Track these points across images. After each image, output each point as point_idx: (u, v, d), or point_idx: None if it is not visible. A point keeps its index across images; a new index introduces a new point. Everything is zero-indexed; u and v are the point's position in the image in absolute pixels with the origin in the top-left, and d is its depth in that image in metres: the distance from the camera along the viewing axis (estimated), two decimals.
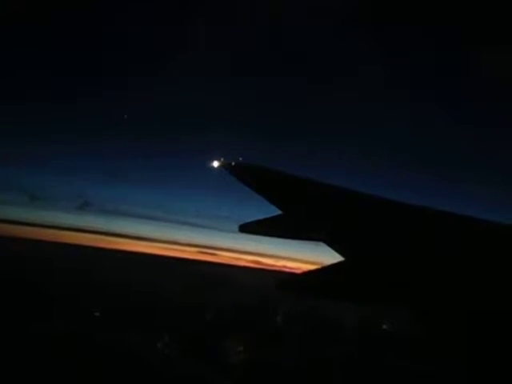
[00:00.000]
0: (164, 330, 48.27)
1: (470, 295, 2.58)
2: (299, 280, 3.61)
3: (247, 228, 4.85)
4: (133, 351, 41.12)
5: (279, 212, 4.78)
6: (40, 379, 33.02)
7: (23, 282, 57.85)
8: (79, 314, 50.26)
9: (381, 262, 3.27)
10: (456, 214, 4.06)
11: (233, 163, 6.31)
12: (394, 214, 4.35)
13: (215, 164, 6.46)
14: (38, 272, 67.46)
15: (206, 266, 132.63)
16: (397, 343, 47.78)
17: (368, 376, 40.86)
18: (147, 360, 39.91)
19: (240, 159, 6.35)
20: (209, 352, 43.94)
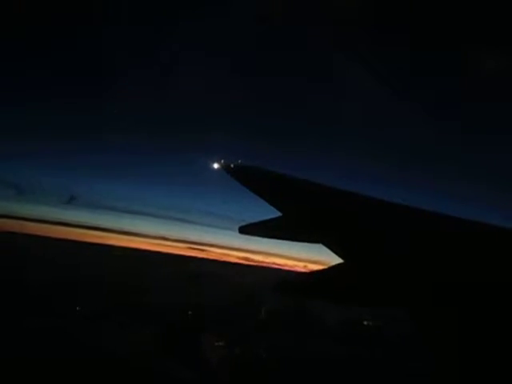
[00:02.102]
0: (146, 324, 48.09)
1: (469, 297, 2.64)
2: (298, 282, 3.65)
3: (246, 230, 4.91)
4: (111, 346, 40.74)
5: (271, 212, 4.86)
6: (13, 375, 32.50)
7: (8, 276, 57.11)
8: (62, 308, 49.65)
9: (380, 263, 3.33)
10: (454, 216, 4.15)
11: (232, 165, 6.31)
12: (392, 216, 4.43)
13: (215, 166, 6.44)
14: (24, 266, 66.58)
15: (195, 262, 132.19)
16: (379, 338, 48.67)
17: (351, 371, 41.32)
18: (124, 355, 39.64)
19: (239, 161, 6.36)
20: (187, 347, 43.92)
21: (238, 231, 4.95)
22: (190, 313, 55.37)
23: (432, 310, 2.58)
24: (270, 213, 4.86)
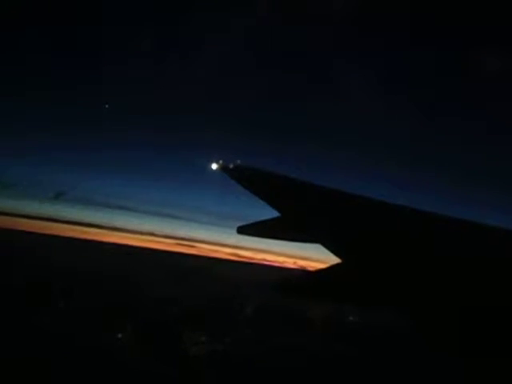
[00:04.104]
0: (129, 320, 47.66)
1: (467, 298, 2.66)
2: (300, 283, 3.68)
3: (245, 230, 4.95)
4: (91, 345, 40.21)
5: (270, 212, 4.91)
6: None
7: None
8: (43, 305, 48.63)
9: (379, 264, 3.35)
10: (454, 217, 4.25)
11: (231, 165, 6.34)
12: (391, 216, 4.52)
13: (213, 166, 6.46)
14: (8, 262, 65.53)
15: (183, 258, 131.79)
16: (364, 333, 49.20)
17: (336, 366, 41.65)
18: (106, 351, 39.30)
19: (238, 161, 6.40)
20: (170, 343, 43.80)
21: (231, 229, 4.99)
22: (174, 309, 55.19)
23: (432, 310, 2.58)
24: (269, 213, 4.92)
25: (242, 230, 4.96)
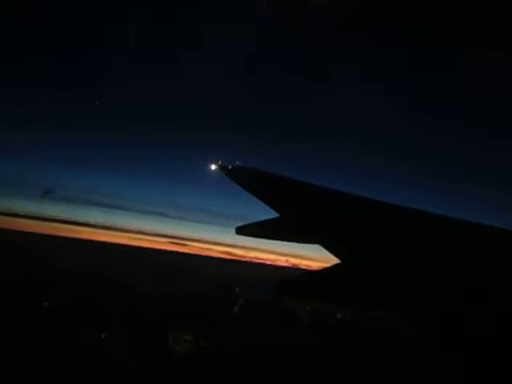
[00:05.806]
0: (115, 319, 47.43)
1: (469, 298, 2.65)
2: (297, 283, 3.68)
3: (244, 230, 4.93)
4: (76, 342, 39.86)
5: (268, 212, 4.91)
6: None
7: None
8: (27, 303, 47.73)
9: (378, 264, 3.34)
10: (452, 217, 4.26)
11: (230, 166, 6.34)
12: (391, 217, 4.59)
13: (212, 167, 6.46)
14: None
15: (175, 257, 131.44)
16: (350, 331, 49.47)
17: (324, 362, 41.88)
18: (91, 350, 38.97)
19: (237, 162, 6.41)
20: (155, 341, 43.55)
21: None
22: (162, 308, 54.97)
23: (432, 310, 2.57)
24: (266, 213, 4.91)
25: (241, 231, 4.93)
